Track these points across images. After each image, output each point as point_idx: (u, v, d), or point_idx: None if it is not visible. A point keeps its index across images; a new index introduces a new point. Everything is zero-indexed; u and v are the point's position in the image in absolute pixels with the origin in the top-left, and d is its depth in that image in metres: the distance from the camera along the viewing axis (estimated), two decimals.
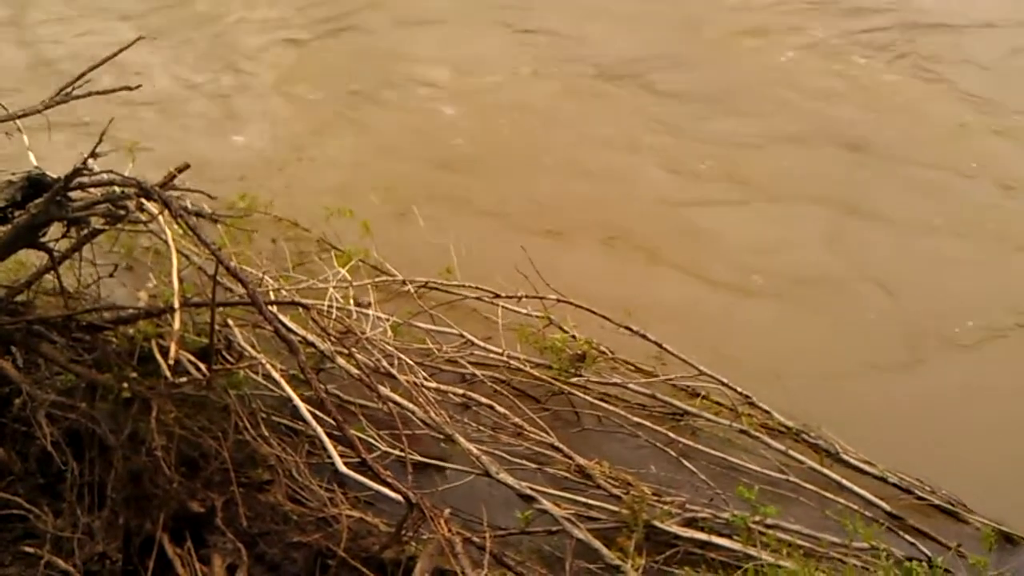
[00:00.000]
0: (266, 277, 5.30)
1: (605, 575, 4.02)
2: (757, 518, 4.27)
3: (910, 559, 4.15)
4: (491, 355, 5.19)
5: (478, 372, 5.06)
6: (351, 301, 5.09)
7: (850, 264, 6.23)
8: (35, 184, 3.96)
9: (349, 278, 5.22)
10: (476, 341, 5.25)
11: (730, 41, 8.98)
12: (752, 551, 4.13)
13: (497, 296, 5.38)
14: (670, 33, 9.07)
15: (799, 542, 4.25)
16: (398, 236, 6.25)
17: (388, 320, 5.11)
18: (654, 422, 4.89)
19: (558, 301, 5.31)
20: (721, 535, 4.27)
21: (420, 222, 6.22)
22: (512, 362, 5.14)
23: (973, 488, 4.63)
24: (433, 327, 5.34)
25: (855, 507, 4.49)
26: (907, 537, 4.41)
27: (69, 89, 4.18)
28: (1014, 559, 4.31)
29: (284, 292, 5.14)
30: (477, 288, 5.44)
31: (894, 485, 4.67)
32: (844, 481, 4.64)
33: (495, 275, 5.63)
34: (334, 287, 5.12)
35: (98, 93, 4.16)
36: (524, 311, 5.39)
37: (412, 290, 5.57)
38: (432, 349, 5.17)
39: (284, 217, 6.23)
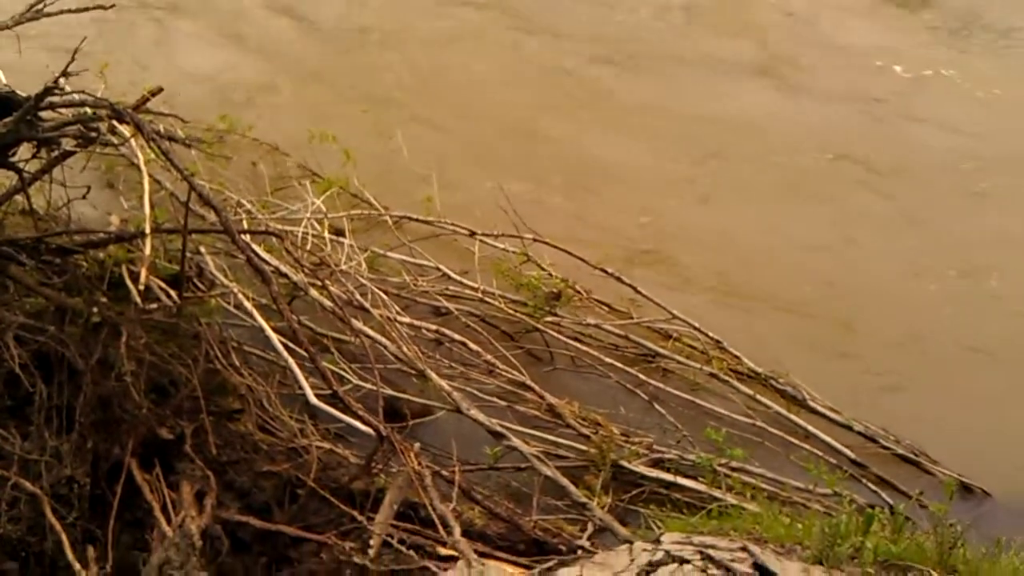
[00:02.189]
0: (243, 202, 5.24)
1: (572, 512, 4.07)
2: (723, 461, 4.33)
3: (872, 506, 4.19)
4: (467, 290, 5.18)
5: (452, 307, 5.05)
6: (326, 231, 5.04)
7: None
8: (4, 102, 3.86)
9: (324, 209, 5.16)
10: (452, 275, 5.23)
11: None
12: (717, 493, 4.20)
13: (474, 234, 5.33)
14: None
15: (763, 486, 4.32)
16: (381, 161, 6.17)
17: (364, 252, 5.07)
18: (626, 363, 4.92)
19: (535, 240, 5.28)
20: (687, 476, 4.34)
21: (404, 152, 6.13)
22: (487, 298, 5.13)
23: (936, 439, 4.71)
24: (410, 259, 5.31)
25: (820, 453, 4.56)
26: (870, 485, 4.49)
27: (40, 5, 4.07)
28: (974, 509, 4.39)
29: (260, 219, 5.08)
30: (454, 225, 5.39)
31: (859, 433, 4.73)
32: (810, 427, 4.70)
33: (474, 208, 5.61)
34: (311, 216, 5.08)
35: (70, 11, 4.05)
36: (502, 246, 5.36)
37: (390, 222, 5.53)
38: (408, 282, 5.15)
39: (264, 141, 6.14)
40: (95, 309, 3.82)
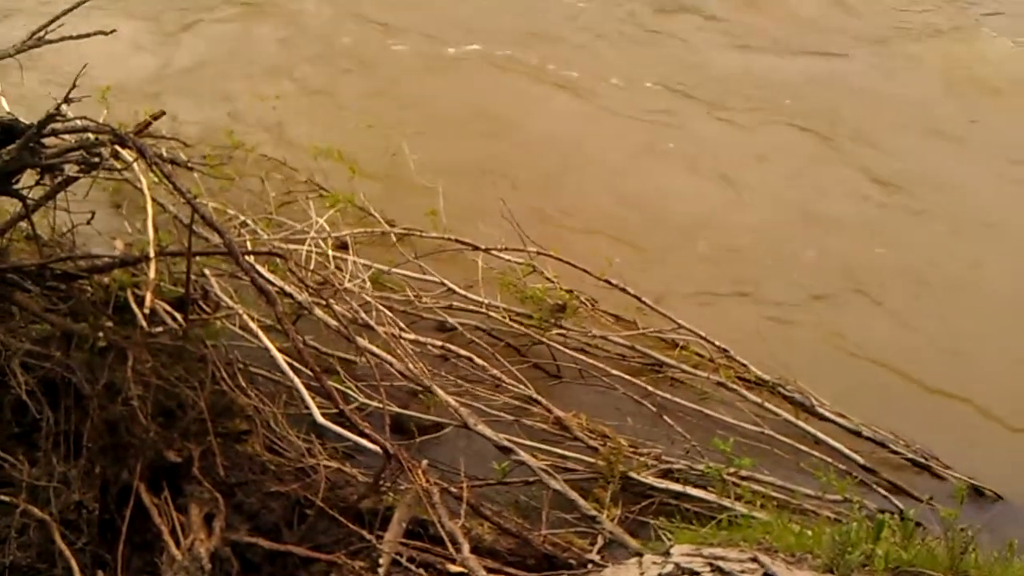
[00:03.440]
0: (248, 221, 5.27)
1: (582, 525, 4.05)
2: (732, 470, 4.31)
3: (882, 512, 4.17)
4: (472, 304, 5.18)
5: (457, 324, 5.06)
6: (330, 251, 5.06)
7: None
8: (7, 130, 3.87)
9: (328, 229, 5.18)
10: (457, 290, 5.24)
11: None
12: (726, 502, 4.16)
13: (477, 248, 5.33)
14: None
15: (773, 494, 4.30)
16: (387, 175, 6.22)
17: (369, 269, 5.09)
18: (633, 374, 4.91)
19: (538, 254, 5.29)
20: (696, 486, 4.31)
21: (411, 164, 6.17)
22: (492, 312, 5.13)
23: (947, 443, 4.69)
24: (414, 275, 5.31)
25: (829, 460, 4.54)
26: (880, 490, 4.47)
27: (42, 33, 4.09)
28: (986, 513, 4.36)
29: (265, 238, 5.10)
30: (458, 240, 5.40)
31: (868, 439, 4.71)
32: (819, 434, 4.69)
33: (478, 222, 5.62)
34: (315, 235, 5.09)
35: (71, 38, 4.07)
36: (507, 258, 5.36)
37: (394, 238, 5.54)
38: (412, 298, 5.15)
39: (271, 156, 6.19)
40: (101, 334, 3.83)
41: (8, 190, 3.97)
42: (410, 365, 4.37)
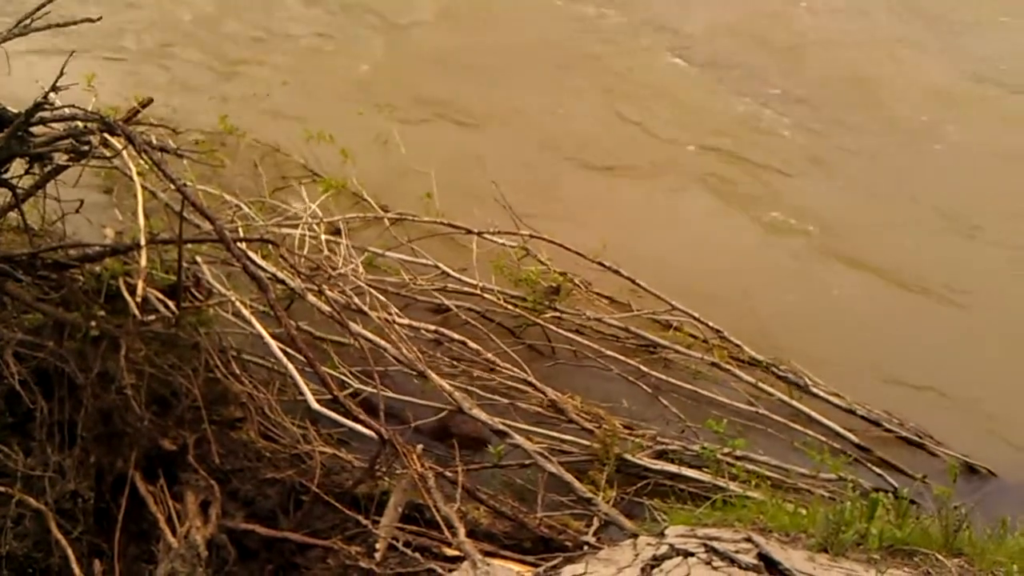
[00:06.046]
0: (241, 206, 5.25)
1: (577, 507, 4.06)
2: (726, 450, 4.32)
3: (877, 490, 4.20)
4: (466, 287, 5.17)
5: (452, 306, 5.05)
6: (323, 235, 5.04)
7: None
8: None
9: (320, 214, 5.16)
10: (451, 273, 5.23)
11: None
12: (721, 482, 4.18)
13: (471, 232, 5.32)
14: None
15: (767, 473, 4.31)
16: (380, 158, 6.20)
17: (362, 253, 5.08)
18: (627, 355, 4.91)
19: (531, 237, 5.27)
20: (691, 467, 4.33)
21: (402, 149, 6.15)
22: (487, 295, 5.12)
23: (940, 421, 4.71)
24: (408, 258, 5.30)
25: (823, 439, 4.55)
26: (874, 468, 4.48)
27: (28, 21, 4.06)
28: (978, 490, 4.38)
29: (259, 223, 5.08)
30: (451, 224, 5.38)
31: (862, 417, 4.72)
32: (813, 413, 4.70)
33: (471, 205, 5.60)
34: (308, 220, 5.07)
35: (58, 25, 4.04)
36: (501, 241, 5.35)
37: (388, 223, 5.52)
38: (407, 280, 5.14)
39: (264, 142, 6.17)
40: (93, 323, 3.81)
41: None
42: (404, 350, 4.37)
